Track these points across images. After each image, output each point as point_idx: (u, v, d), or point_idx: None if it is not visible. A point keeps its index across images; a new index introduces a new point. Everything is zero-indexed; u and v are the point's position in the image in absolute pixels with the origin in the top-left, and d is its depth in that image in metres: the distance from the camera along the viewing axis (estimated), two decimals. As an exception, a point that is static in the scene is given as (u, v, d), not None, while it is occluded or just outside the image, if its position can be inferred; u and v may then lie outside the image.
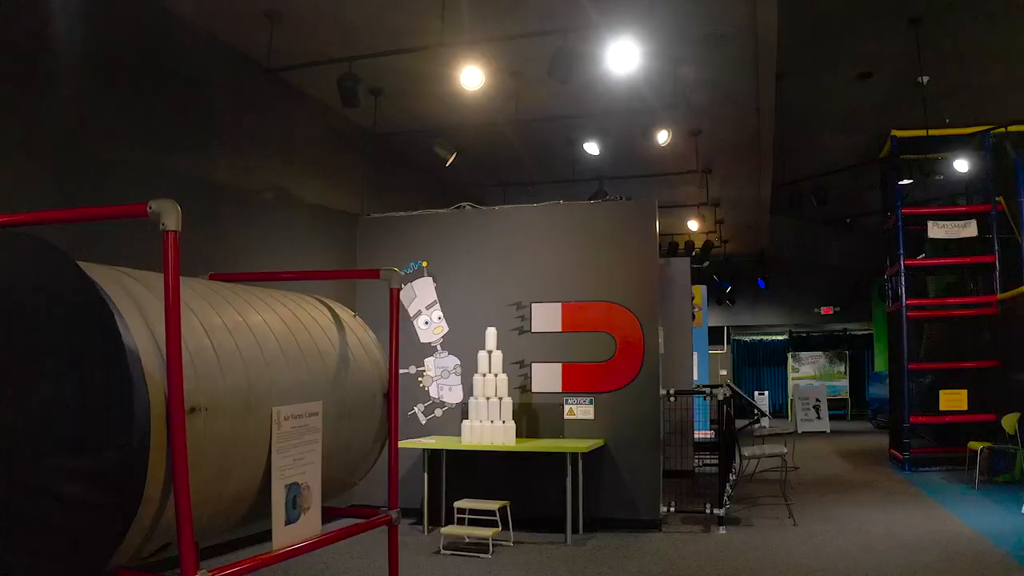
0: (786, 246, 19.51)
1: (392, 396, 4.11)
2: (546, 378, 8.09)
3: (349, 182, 9.37)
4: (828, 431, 18.79)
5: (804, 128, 11.03)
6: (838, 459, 13.64)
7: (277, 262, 7.58)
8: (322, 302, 4.20)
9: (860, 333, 24.68)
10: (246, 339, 3.19)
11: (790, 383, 24.16)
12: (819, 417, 19.50)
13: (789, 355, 24.78)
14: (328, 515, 3.68)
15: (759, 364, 26.68)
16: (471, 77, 7.31)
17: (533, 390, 8.11)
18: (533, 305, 8.21)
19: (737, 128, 9.99)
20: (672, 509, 7.99)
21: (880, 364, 21.57)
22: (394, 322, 4.13)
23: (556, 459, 7.41)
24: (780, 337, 26.24)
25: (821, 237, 19.05)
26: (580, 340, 8.05)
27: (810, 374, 24.37)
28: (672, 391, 8.20)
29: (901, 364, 11.83)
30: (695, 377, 11.85)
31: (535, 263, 8.26)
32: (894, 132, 11.74)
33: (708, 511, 7.82)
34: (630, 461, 7.81)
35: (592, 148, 9.37)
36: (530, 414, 8.05)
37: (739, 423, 9.02)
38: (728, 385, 8.42)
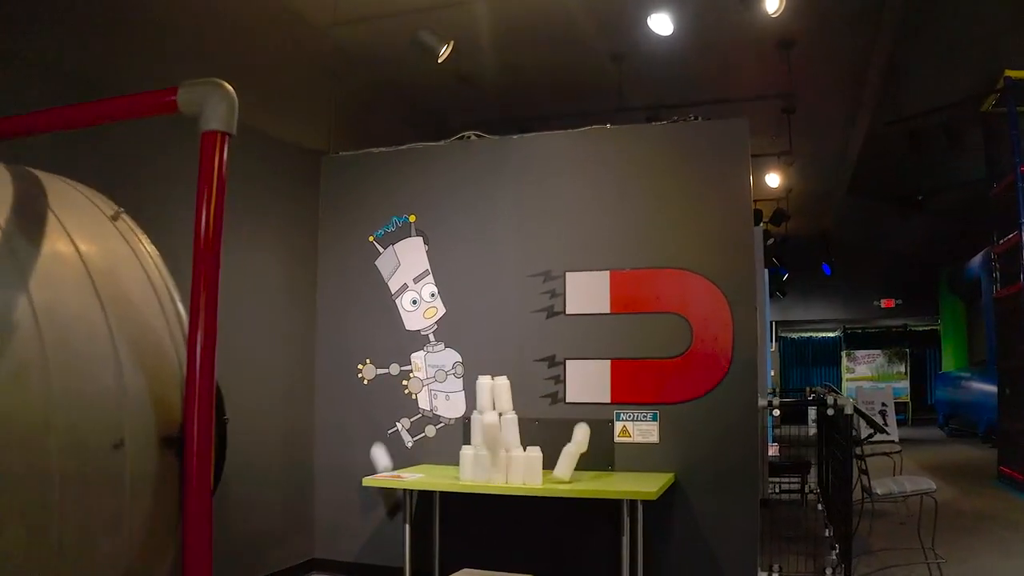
0: (846, 227, 17.07)
1: (198, 438, 1.39)
2: (587, 382, 5.65)
3: (308, 108, 6.88)
4: (897, 440, 16.45)
5: (893, 59, 8.36)
6: (932, 478, 11.25)
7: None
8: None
9: (922, 329, 22.67)
10: None
11: (844, 385, 22.18)
12: (885, 424, 17.23)
13: (843, 354, 22.57)
14: None
15: (808, 364, 24.70)
16: None
17: (568, 400, 5.66)
18: (568, 275, 5.77)
19: (843, 44, 7.34)
20: (776, 575, 5.39)
21: (948, 363, 19.57)
22: (203, 222, 1.57)
23: (605, 506, 4.97)
24: (832, 334, 23.96)
25: (885, 217, 16.43)
26: (638, 326, 5.58)
27: (866, 375, 22.70)
28: (775, 402, 5.58)
29: (1020, 361, 9.95)
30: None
31: (571, 215, 5.83)
32: (1008, 72, 9.70)
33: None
34: (713, 505, 5.34)
35: (662, 24, 6.49)
36: (563, 436, 5.50)
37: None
38: (831, 389, 6.02)
